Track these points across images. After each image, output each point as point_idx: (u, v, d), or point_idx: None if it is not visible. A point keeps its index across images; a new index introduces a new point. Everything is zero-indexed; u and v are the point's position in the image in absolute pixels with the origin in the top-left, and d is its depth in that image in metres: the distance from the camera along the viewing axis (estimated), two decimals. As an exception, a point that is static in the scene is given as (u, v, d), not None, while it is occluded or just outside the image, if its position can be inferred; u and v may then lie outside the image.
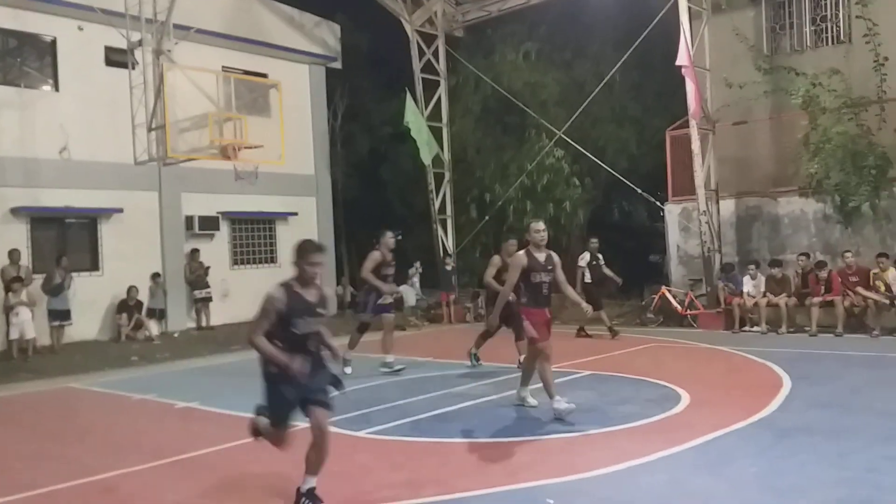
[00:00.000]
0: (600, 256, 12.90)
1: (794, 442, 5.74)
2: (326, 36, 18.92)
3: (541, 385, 6.97)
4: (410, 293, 15.99)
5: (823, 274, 12.00)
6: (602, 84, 16.04)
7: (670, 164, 14.79)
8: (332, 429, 6.70)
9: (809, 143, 13.00)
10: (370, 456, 5.96)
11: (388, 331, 9.77)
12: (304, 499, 4.63)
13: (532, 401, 7.22)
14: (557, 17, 18.40)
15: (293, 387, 4.53)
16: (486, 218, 17.85)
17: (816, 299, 11.82)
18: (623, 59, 15.41)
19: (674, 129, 14.67)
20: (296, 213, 17.96)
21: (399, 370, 9.63)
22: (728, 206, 14.51)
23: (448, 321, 16.15)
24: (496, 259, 9.37)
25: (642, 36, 14.66)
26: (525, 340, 7.35)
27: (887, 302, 11.36)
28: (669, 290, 14.05)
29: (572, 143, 16.79)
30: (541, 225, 6.94)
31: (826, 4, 14.16)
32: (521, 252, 6.94)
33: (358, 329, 9.86)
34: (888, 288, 11.43)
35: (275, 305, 4.52)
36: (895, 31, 12.76)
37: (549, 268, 6.88)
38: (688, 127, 13.77)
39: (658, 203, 15.50)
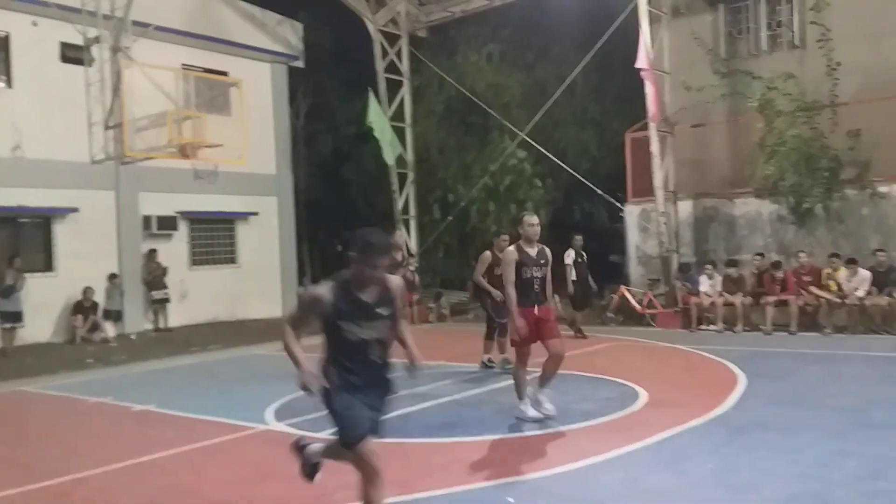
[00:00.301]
0: (584, 254, 12.82)
1: (749, 438, 5.84)
2: (289, 34, 18.75)
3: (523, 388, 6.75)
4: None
5: (778, 274, 12.25)
6: (564, 86, 16.18)
7: (630, 165, 14.96)
8: (294, 431, 6.69)
9: (765, 145, 13.26)
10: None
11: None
12: None
13: (549, 407, 6.66)
14: (520, 19, 18.53)
15: (363, 397, 3.85)
16: (449, 218, 17.88)
17: (771, 298, 12.07)
18: (584, 62, 15.57)
19: (633, 131, 14.85)
20: (256, 213, 17.75)
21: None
22: (686, 207, 14.74)
23: (412, 321, 16.11)
24: (486, 255, 9.21)
25: (602, 39, 14.82)
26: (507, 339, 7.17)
27: (839, 301, 11.64)
28: (629, 290, 14.21)
29: (534, 144, 16.90)
30: (535, 218, 6.63)
31: (781, 10, 14.47)
32: (512, 247, 6.67)
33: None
34: (840, 287, 11.71)
35: (316, 307, 3.72)
36: (847, 37, 13.08)
37: (542, 262, 6.58)
38: (647, 129, 13.96)
39: (618, 204, 15.68)
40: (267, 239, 18.07)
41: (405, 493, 4.83)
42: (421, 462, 5.68)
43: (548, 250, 6.71)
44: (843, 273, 11.76)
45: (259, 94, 17.88)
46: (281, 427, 6.89)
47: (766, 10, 14.64)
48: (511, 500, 4.67)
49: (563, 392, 7.95)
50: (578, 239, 12.80)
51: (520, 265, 6.48)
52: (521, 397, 6.67)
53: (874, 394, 7.34)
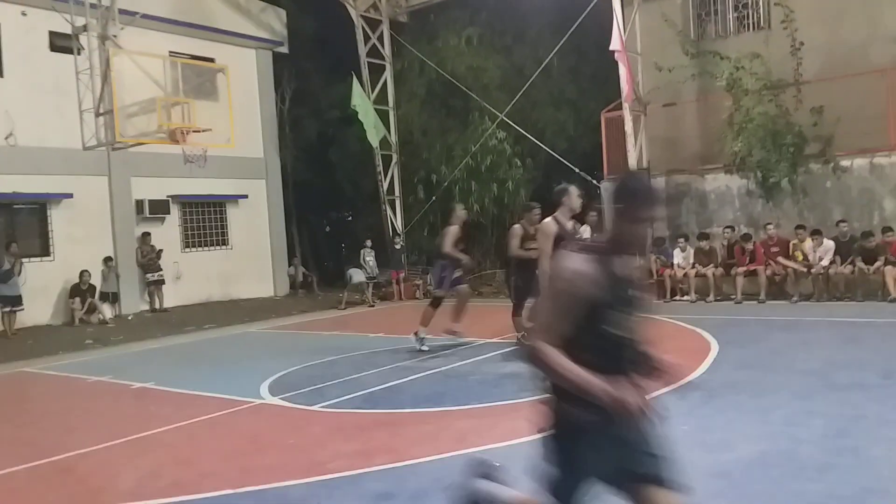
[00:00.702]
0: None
1: (721, 401, 5.92)
2: (272, 21, 18.49)
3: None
4: (358, 272, 15.88)
5: (748, 246, 12.36)
6: (540, 68, 16.10)
7: (605, 144, 14.97)
8: (286, 404, 6.71)
9: (733, 123, 13.28)
10: (324, 428, 5.93)
11: (463, 301, 9.39)
12: None
13: None
14: (497, 3, 18.36)
15: (614, 444, 2.45)
16: (433, 198, 17.82)
17: (741, 269, 12.18)
18: (559, 45, 15.50)
19: (608, 111, 14.83)
20: (246, 196, 17.62)
21: (426, 349, 8.96)
22: (659, 184, 14.77)
23: (398, 298, 16.14)
24: (517, 229, 8.49)
25: (577, 22, 14.74)
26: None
27: (805, 270, 11.77)
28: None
29: (513, 125, 16.85)
30: (578, 189, 6.14)
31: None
32: (549, 219, 6.18)
33: (433, 304, 9.32)
34: (805, 257, 11.83)
35: (583, 289, 2.33)
36: (810, 18, 13.09)
37: (577, 237, 6.18)
38: (621, 109, 13.95)
39: (594, 181, 15.69)
40: (256, 221, 17.96)
41: (395, 461, 4.86)
42: (411, 431, 5.71)
43: (579, 225, 6.30)
44: (808, 244, 11.88)
45: (245, 79, 17.65)
46: (276, 401, 6.90)
47: (734, -10, 14.64)
48: (497, 464, 4.71)
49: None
50: (594, 214, 11.36)
51: (558, 239, 5.93)
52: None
53: (838, 357, 7.46)
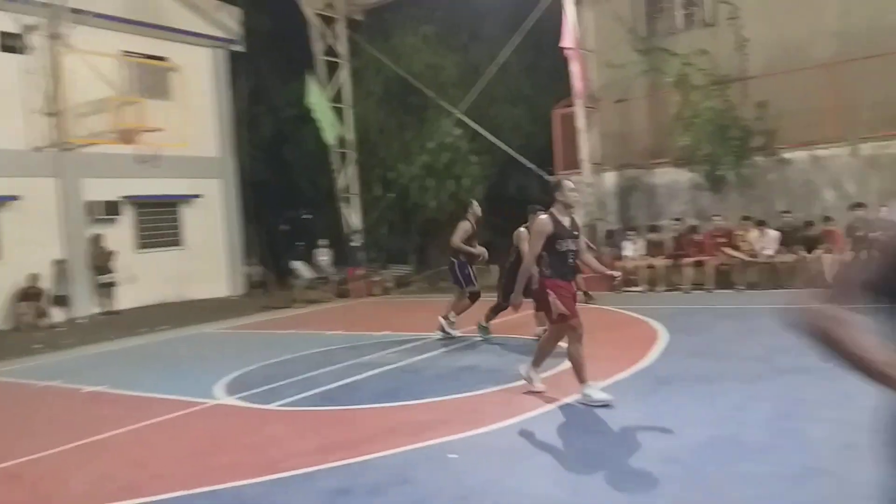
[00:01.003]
0: None
1: (671, 388, 6.01)
2: (228, 19, 18.14)
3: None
4: (302, 266, 15.71)
5: (696, 237, 12.59)
6: (496, 66, 16.15)
7: (558, 140, 15.09)
8: (241, 404, 6.61)
9: (682, 118, 13.51)
10: (280, 427, 5.85)
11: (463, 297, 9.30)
12: None
13: (540, 385, 6.04)
14: (453, 1, 18.34)
15: None
16: (391, 195, 17.76)
17: (689, 260, 12.40)
18: (514, 43, 15.56)
19: (561, 107, 14.95)
20: (201, 196, 17.29)
21: (452, 336, 8.99)
22: (611, 178, 14.96)
23: (356, 295, 16.02)
24: (523, 232, 8.15)
25: (528, 21, 14.82)
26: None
27: (750, 259, 12.04)
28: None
29: (470, 122, 16.87)
30: (572, 183, 5.81)
31: (696, -10, 14.74)
32: (545, 216, 5.70)
33: (471, 298, 9.24)
34: (751, 247, 12.10)
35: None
36: (755, 15, 13.38)
37: (576, 234, 5.77)
38: (574, 105, 14.07)
39: (548, 177, 15.80)
40: (212, 221, 17.65)
41: (352, 457, 4.82)
42: (367, 426, 5.67)
43: (578, 220, 5.96)
44: (753, 234, 12.15)
45: (200, 78, 17.34)
46: (231, 401, 6.79)
47: (681, -10, 14.89)
48: (454, 455, 4.72)
49: (501, 354, 8.07)
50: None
51: (555, 237, 5.59)
52: (582, 380, 5.66)
53: (781, 343, 7.60)
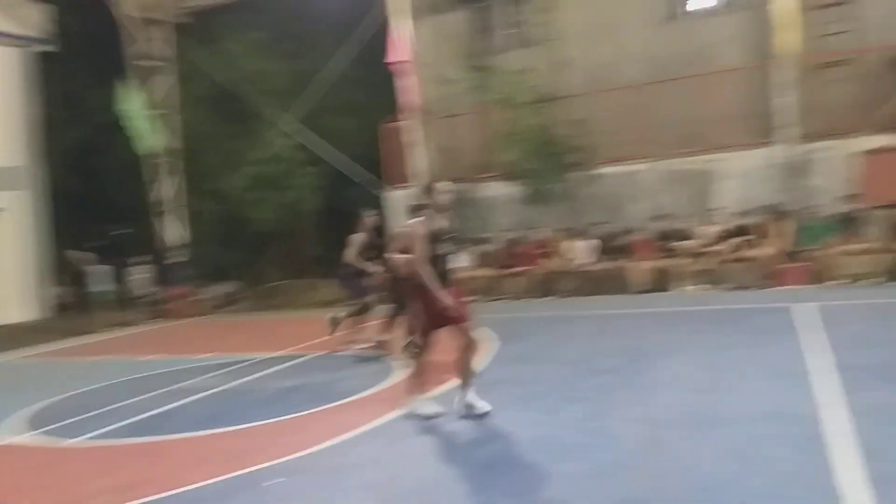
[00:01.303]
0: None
1: (497, 393, 6.10)
2: (37, 16, 16.41)
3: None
4: (101, 280, 14.67)
5: (521, 248, 13.12)
6: (328, 76, 15.94)
7: (388, 154, 15.17)
8: (39, 442, 5.93)
9: (507, 134, 14.04)
10: (82, 464, 5.32)
11: (365, 312, 8.68)
12: None
13: (483, 404, 5.58)
14: (285, 8, 17.92)
15: None
16: (220, 207, 16.96)
17: (515, 270, 12.89)
18: (345, 53, 15.46)
19: (389, 121, 15.05)
20: (2, 209, 15.51)
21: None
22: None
23: (178, 316, 15.06)
24: (358, 238, 8.13)
25: (358, 32, 14.81)
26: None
27: (570, 268, 12.72)
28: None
29: (302, 132, 16.53)
30: (446, 185, 5.61)
31: (519, 11, 15.40)
32: (418, 221, 5.49)
33: (361, 312, 8.68)
34: (569, 257, 12.80)
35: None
36: (573, 38, 14.22)
37: (450, 236, 5.60)
38: (403, 119, 14.20)
39: (377, 191, 15.82)
40: (15, 237, 15.88)
41: (158, 492, 4.45)
42: (179, 458, 5.29)
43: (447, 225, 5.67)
44: (571, 244, 12.88)
45: (4, 80, 15.61)
46: (26, 439, 6.10)
47: (507, 11, 15.51)
48: (274, 481, 4.49)
49: (326, 373, 7.87)
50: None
51: (433, 240, 5.38)
52: (413, 393, 5.62)
53: (597, 346, 8.09)
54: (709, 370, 6.42)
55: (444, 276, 5.45)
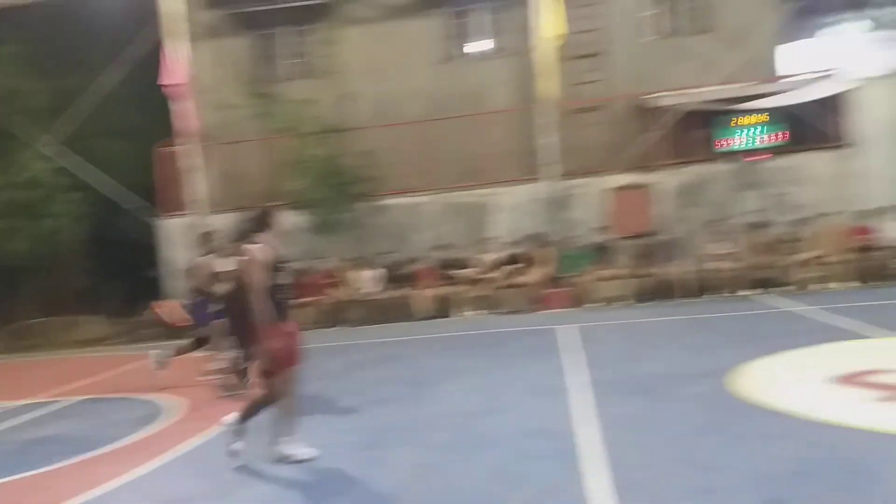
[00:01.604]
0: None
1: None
2: None
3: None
4: None
5: (308, 278, 12.89)
6: (94, 96, 14.63)
7: (163, 179, 14.27)
8: None
9: (293, 163, 13.79)
10: None
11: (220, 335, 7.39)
12: None
13: (308, 451, 5.11)
14: (46, 21, 16.17)
15: None
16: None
17: (303, 300, 12.61)
18: (115, 73, 14.32)
19: (167, 146, 14.18)
20: None
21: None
22: (225, 220, 14.52)
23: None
24: (207, 262, 7.59)
25: (128, 51, 13.84)
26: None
27: (357, 297, 12.73)
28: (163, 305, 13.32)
29: (65, 154, 14.95)
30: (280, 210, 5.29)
31: (303, 42, 15.30)
32: (259, 246, 4.88)
33: (196, 345, 8.10)
34: (354, 286, 12.82)
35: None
36: (358, 72, 14.39)
37: (287, 264, 5.16)
38: (181, 144, 13.44)
39: (150, 219, 14.78)
40: None
41: None
42: None
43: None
44: (359, 273, 12.91)
45: None
46: None
47: (290, 40, 15.34)
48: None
49: (91, 418, 7.13)
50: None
51: (273, 269, 4.87)
52: (283, 435, 5.11)
53: (379, 374, 8.12)
54: (482, 392, 6.69)
55: (282, 309, 4.95)
